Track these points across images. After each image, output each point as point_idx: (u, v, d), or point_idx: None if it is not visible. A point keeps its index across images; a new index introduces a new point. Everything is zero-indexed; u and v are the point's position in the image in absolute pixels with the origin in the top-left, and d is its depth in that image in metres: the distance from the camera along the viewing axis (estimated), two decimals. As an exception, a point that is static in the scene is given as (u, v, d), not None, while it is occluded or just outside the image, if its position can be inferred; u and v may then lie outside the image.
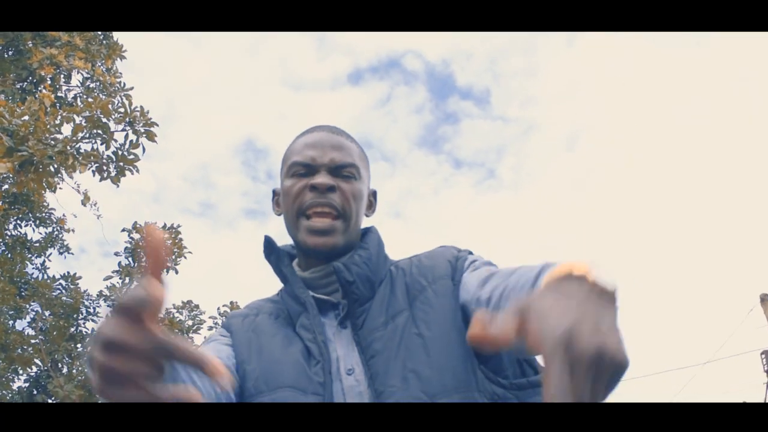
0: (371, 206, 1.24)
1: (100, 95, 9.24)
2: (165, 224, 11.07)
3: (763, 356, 11.37)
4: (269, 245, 1.18)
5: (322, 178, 1.11)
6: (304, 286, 1.13)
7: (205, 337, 11.46)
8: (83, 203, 7.78)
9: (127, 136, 7.40)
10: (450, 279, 1.09)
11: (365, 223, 1.23)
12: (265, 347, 1.09)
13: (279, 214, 1.21)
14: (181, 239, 11.16)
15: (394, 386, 0.99)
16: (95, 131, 7.25)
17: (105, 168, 7.40)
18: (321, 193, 1.11)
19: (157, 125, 7.45)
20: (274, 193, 1.24)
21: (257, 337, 1.12)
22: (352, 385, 1.02)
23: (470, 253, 1.16)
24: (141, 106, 7.37)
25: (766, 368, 11.48)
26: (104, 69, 9.60)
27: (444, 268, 1.12)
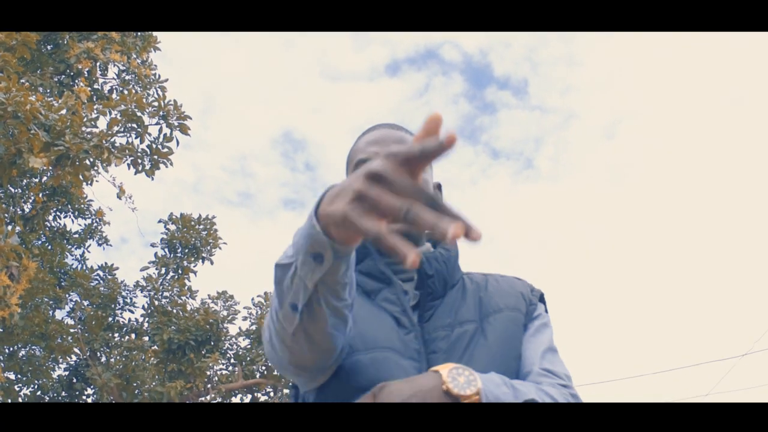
0: None
1: (136, 87, 9.33)
2: (200, 215, 11.17)
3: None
4: None
5: None
6: (389, 269, 1.14)
7: (239, 328, 11.60)
8: (118, 196, 7.85)
9: (160, 130, 7.44)
10: (522, 315, 1.14)
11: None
12: (356, 314, 1.07)
13: None
14: (216, 230, 11.24)
15: None
16: (130, 125, 7.31)
17: (140, 161, 7.46)
18: None
19: (191, 118, 7.49)
20: None
21: None
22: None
23: (541, 299, 1.20)
24: (174, 100, 7.40)
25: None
26: (139, 61, 9.67)
27: (519, 302, 1.16)
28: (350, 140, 1.24)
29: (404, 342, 1.05)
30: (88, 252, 10.96)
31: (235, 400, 11.27)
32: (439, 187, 1.26)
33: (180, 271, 10.86)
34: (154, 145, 7.39)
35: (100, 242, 11.13)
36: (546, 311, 1.19)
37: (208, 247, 11.06)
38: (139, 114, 7.23)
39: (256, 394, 11.26)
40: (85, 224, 10.94)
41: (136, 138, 7.28)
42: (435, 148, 0.61)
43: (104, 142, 7.05)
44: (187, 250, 10.97)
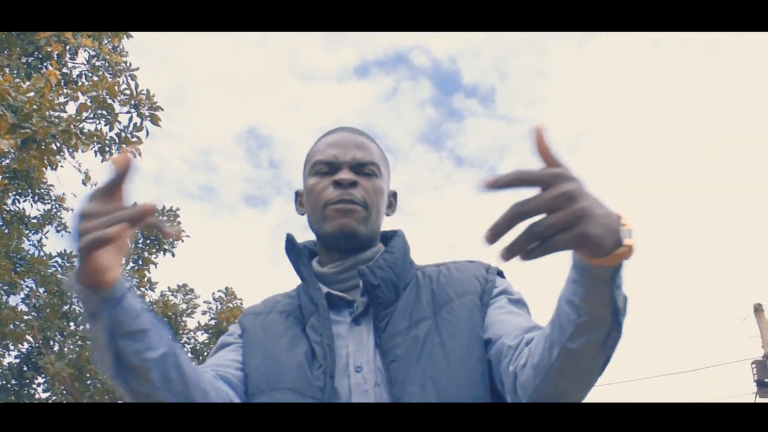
0: (392, 206, 1.26)
1: (106, 74, 9.19)
2: (164, 206, 11.03)
3: (754, 366, 11.41)
4: (290, 242, 1.21)
5: (344, 174, 1.15)
6: (318, 286, 1.15)
7: (198, 322, 11.51)
8: (84, 183, 7.73)
9: (131, 119, 7.36)
10: (477, 297, 1.12)
11: (387, 225, 1.25)
12: (270, 347, 1.12)
13: (302, 214, 1.24)
14: (179, 222, 11.12)
15: (413, 392, 1.01)
16: (100, 111, 7.21)
17: (107, 149, 7.36)
18: (344, 188, 1.14)
19: (162, 110, 7.42)
20: (297, 194, 1.27)
21: (265, 337, 1.15)
22: (358, 383, 1.05)
23: (499, 274, 1.18)
24: (147, 90, 7.34)
25: (756, 378, 11.51)
26: (111, 48, 9.52)
27: (473, 285, 1.15)
28: (316, 139, 1.25)
29: (308, 381, 1.04)
30: (46, 238, 10.75)
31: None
32: (394, 195, 1.27)
33: (140, 262, 10.72)
34: (123, 134, 7.30)
35: (59, 229, 10.91)
36: (510, 285, 1.17)
37: (171, 239, 10.93)
38: (110, 101, 7.14)
39: (211, 390, 11.17)
40: (44, 209, 10.73)
41: (105, 125, 7.19)
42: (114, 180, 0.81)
43: (72, 127, 6.94)
44: (148, 241, 10.83)
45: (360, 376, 1.05)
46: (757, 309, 11.60)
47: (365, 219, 1.14)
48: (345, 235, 1.13)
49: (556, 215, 0.68)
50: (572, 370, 0.87)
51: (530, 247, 0.68)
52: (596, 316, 0.81)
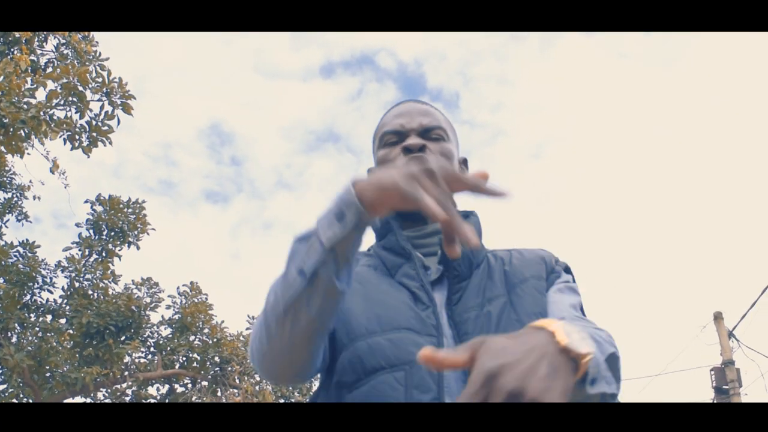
0: (462, 172, 1.25)
1: (74, 62, 9.05)
2: (129, 198, 10.91)
3: (712, 373, 11.72)
4: None
5: (413, 140, 1.17)
6: (411, 245, 1.15)
7: (162, 316, 11.37)
8: (52, 171, 7.61)
9: (102, 107, 7.28)
10: (545, 281, 1.14)
11: (465, 205, 1.24)
12: (372, 293, 1.10)
13: None
14: (145, 215, 11.00)
15: None
16: (71, 99, 7.12)
17: (77, 137, 7.27)
18: (414, 153, 1.14)
19: (135, 98, 7.36)
20: (369, 172, 1.28)
21: (361, 286, 1.12)
22: (451, 334, 1.05)
23: (566, 270, 1.19)
24: (120, 78, 7.26)
25: (714, 385, 11.82)
26: (81, 36, 9.38)
27: (541, 268, 1.16)
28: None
29: (421, 319, 1.05)
30: (6, 227, 10.53)
31: (152, 390, 11.05)
32: (464, 162, 1.29)
33: (104, 254, 10.57)
34: (94, 122, 7.22)
35: (19, 218, 10.71)
36: (573, 281, 1.18)
37: (136, 232, 10.81)
38: (81, 89, 7.05)
39: (174, 385, 11.06)
40: (5, 198, 10.51)
41: (76, 113, 7.10)
42: (485, 190, 0.80)
43: (42, 113, 6.84)
44: (113, 233, 10.69)
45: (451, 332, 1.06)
46: (717, 317, 11.91)
47: None
48: None
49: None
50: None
51: None
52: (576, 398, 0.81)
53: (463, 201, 1.24)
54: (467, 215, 1.24)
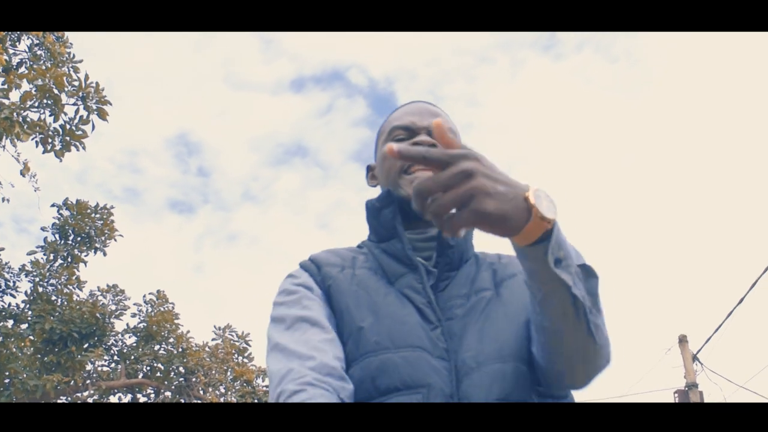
0: None
1: (47, 63, 8.90)
2: (97, 204, 10.75)
3: (676, 395, 11.93)
4: (388, 195, 1.17)
5: (423, 138, 1.17)
6: (412, 249, 1.13)
7: (127, 324, 11.17)
8: (22, 174, 7.46)
9: (77, 111, 7.18)
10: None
11: None
12: (381, 305, 1.07)
13: (374, 186, 1.27)
14: (112, 221, 10.85)
15: (470, 344, 1.02)
16: (45, 101, 7.01)
17: (50, 140, 7.15)
18: None
19: (111, 104, 7.27)
20: (369, 168, 1.30)
21: (367, 294, 1.10)
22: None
23: None
24: (96, 82, 7.18)
25: (676, 407, 11.99)
26: (55, 37, 9.25)
27: None
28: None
29: (431, 339, 1.02)
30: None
31: (114, 399, 10.82)
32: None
33: (70, 259, 10.38)
34: (68, 126, 7.11)
35: (-17, 220, 10.45)
36: None
37: (103, 238, 10.64)
38: (56, 92, 6.95)
39: (137, 395, 10.86)
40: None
41: (50, 116, 6.99)
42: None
43: (15, 115, 6.72)
44: (79, 239, 10.51)
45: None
46: (682, 340, 12.12)
47: None
48: None
49: (448, 194, 0.70)
50: (558, 346, 0.92)
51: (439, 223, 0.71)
52: (547, 292, 0.84)
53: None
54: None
